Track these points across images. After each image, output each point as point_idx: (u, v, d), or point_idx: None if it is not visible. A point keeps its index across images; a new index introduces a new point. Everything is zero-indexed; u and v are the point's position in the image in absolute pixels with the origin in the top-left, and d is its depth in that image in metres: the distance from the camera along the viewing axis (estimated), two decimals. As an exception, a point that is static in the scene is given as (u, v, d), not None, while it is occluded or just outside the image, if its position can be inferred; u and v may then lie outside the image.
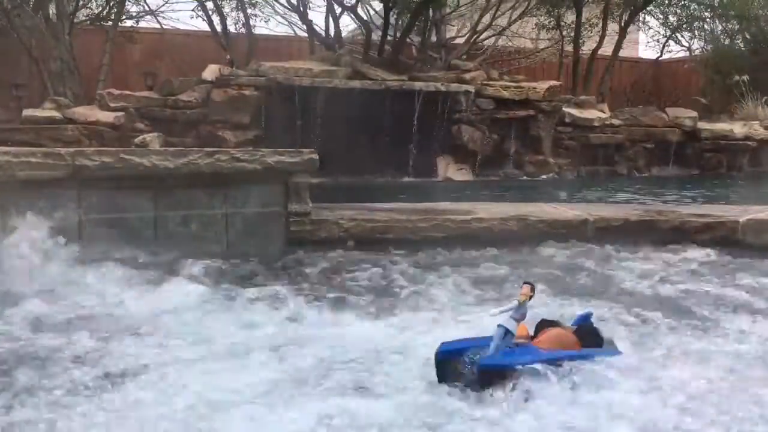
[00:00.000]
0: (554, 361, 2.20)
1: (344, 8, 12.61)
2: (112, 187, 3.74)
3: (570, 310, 2.87)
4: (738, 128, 12.40)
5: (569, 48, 14.47)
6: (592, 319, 2.55)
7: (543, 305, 2.89)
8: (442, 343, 2.31)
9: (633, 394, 2.09)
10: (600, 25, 14.53)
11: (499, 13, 13.66)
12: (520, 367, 2.16)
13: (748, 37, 15.54)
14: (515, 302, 2.25)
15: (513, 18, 14.09)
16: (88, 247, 3.54)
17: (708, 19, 16.53)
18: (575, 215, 4.52)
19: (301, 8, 13.11)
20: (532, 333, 2.39)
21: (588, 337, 2.37)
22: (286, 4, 13.69)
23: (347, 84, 10.39)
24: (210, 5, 13.20)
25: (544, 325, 2.40)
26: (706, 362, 2.40)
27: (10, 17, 11.52)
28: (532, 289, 2.29)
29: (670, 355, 2.48)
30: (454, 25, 14.94)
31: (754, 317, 2.93)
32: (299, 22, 13.76)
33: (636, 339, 2.63)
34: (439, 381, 2.22)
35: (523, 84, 11.75)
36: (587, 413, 1.98)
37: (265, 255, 3.91)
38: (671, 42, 17.51)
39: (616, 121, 12.07)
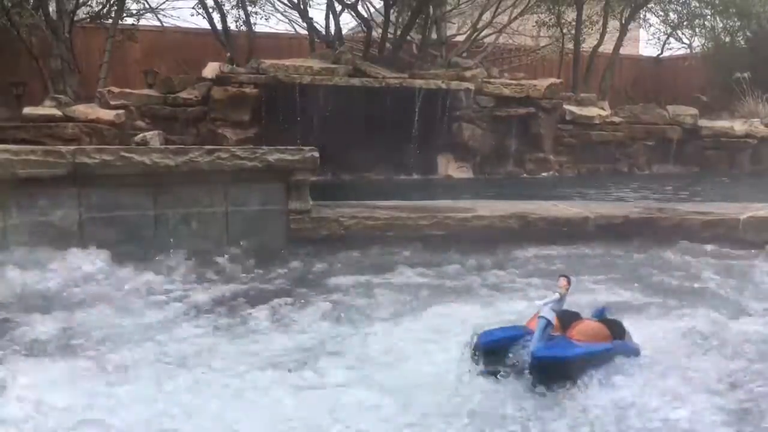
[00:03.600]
0: (603, 354, 2.29)
1: (344, 6, 12.58)
2: (112, 185, 3.74)
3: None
4: (738, 126, 12.38)
5: (570, 45, 14.44)
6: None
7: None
8: (482, 333, 2.37)
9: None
10: (600, 22, 14.50)
11: (499, 10, 13.63)
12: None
13: (748, 34, 15.51)
14: (557, 294, 2.33)
15: (513, 15, 14.05)
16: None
17: (709, 17, 16.49)
18: (576, 213, 4.52)
19: (302, 6, 13.08)
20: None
21: (616, 330, 2.44)
22: (286, 2, 13.66)
23: (347, 82, 10.36)
24: (210, 3, 13.18)
25: (566, 316, 2.43)
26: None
27: (11, 15, 11.50)
28: (569, 282, 2.37)
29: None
30: (454, 23, 14.91)
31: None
32: (299, 20, 13.73)
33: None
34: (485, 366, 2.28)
35: (524, 82, 11.73)
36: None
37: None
38: (672, 39, 17.50)
39: (616, 119, 12.05)
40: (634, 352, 2.41)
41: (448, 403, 2.12)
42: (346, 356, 2.54)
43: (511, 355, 2.27)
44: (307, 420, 2.04)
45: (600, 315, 2.54)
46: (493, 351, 2.29)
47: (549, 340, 2.27)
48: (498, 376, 2.23)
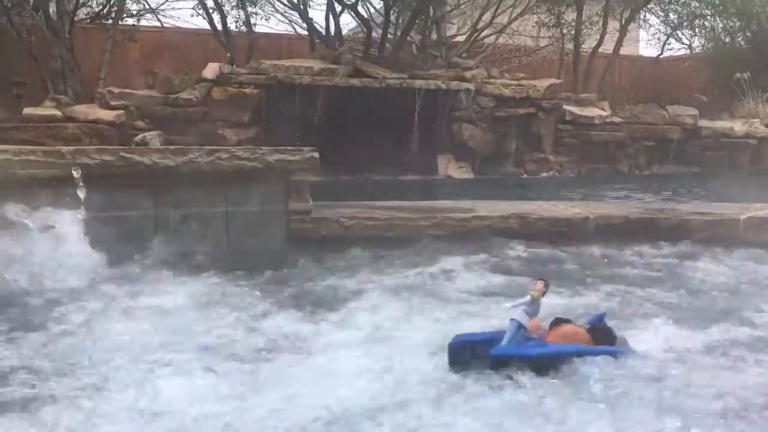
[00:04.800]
0: (563, 355, 2.26)
1: (344, 6, 12.58)
2: (112, 185, 3.74)
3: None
4: (738, 126, 12.39)
5: (570, 46, 14.44)
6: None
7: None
8: (456, 335, 2.39)
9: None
10: (600, 23, 14.51)
11: (499, 11, 13.63)
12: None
13: (748, 34, 15.50)
14: (528, 297, 2.31)
15: (513, 16, 14.05)
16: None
17: (709, 17, 16.48)
18: (575, 213, 4.52)
19: (302, 6, 13.08)
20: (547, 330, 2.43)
21: (601, 336, 2.41)
22: (286, 2, 13.67)
23: (347, 82, 10.37)
24: (210, 3, 13.20)
25: (558, 323, 2.44)
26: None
27: (11, 15, 11.51)
28: (546, 286, 2.35)
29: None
30: (454, 23, 14.91)
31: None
32: (300, 21, 13.73)
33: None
34: (450, 365, 2.31)
35: (524, 82, 11.73)
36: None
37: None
38: (672, 40, 17.47)
39: (616, 119, 12.05)
40: (612, 354, 2.34)
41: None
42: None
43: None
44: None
45: (597, 322, 2.51)
46: (460, 352, 2.33)
47: (524, 341, 2.29)
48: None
